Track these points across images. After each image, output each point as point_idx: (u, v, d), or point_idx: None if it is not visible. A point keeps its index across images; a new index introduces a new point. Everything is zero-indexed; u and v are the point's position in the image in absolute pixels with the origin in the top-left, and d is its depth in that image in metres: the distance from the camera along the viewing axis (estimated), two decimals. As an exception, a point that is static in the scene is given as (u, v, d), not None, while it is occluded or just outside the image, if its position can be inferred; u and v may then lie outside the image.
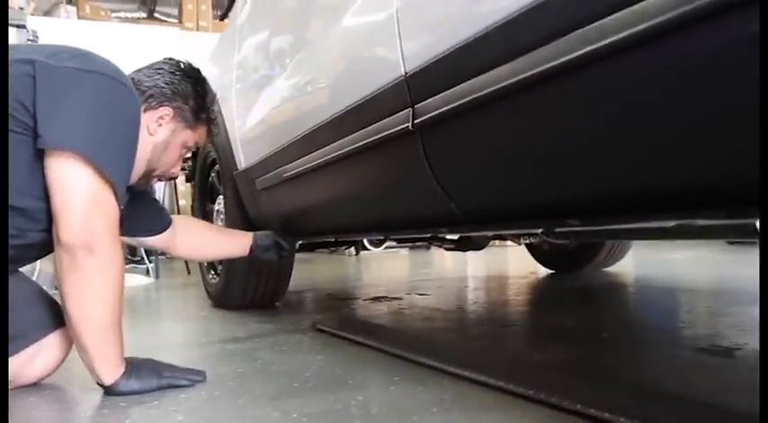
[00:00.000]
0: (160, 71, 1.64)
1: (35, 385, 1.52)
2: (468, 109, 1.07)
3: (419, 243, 6.52)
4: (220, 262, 2.79)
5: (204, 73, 1.74)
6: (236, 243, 2.22)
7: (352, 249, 6.21)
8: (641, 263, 4.13)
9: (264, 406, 1.26)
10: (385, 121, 1.32)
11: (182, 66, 1.69)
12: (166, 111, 1.61)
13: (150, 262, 5.25)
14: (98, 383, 1.40)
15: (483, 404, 1.19)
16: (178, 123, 1.64)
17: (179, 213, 5.44)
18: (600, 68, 0.83)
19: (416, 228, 1.51)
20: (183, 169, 6.09)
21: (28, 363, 1.48)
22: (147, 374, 1.42)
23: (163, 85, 1.61)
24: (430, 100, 1.17)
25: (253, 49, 2.40)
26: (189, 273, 5.22)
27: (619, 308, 2.51)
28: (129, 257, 6.21)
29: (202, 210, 3.13)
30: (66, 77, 1.36)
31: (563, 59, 0.86)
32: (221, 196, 2.83)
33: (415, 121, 1.21)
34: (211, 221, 2.98)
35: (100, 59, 1.45)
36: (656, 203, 0.91)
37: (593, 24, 0.80)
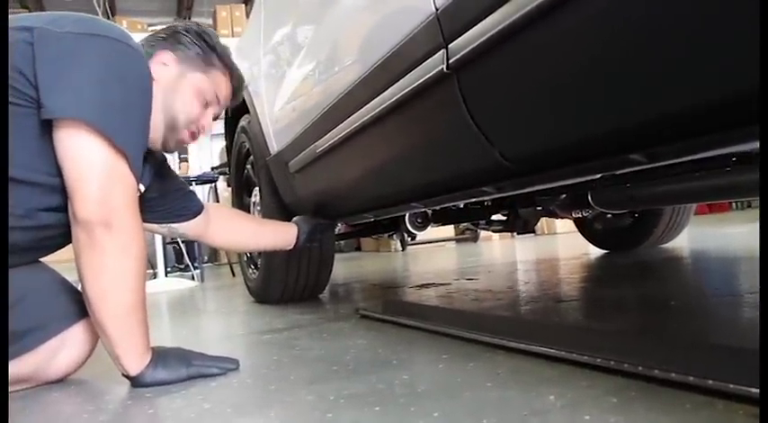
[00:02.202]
0: (159, 31, 1.57)
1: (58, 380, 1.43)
2: (507, 36, 0.94)
3: (466, 233, 6.39)
4: (260, 256, 2.69)
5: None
6: (280, 233, 2.11)
7: (398, 244, 6.10)
8: (699, 238, 3.89)
9: (299, 390, 1.14)
10: (417, 69, 1.19)
11: (182, 25, 1.60)
12: (165, 54, 1.51)
13: (195, 268, 5.25)
14: (124, 375, 1.30)
15: (543, 377, 1.05)
16: (182, 65, 1.52)
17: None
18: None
19: (460, 188, 1.36)
20: (223, 173, 6.10)
21: (51, 357, 1.39)
22: (175, 363, 1.32)
23: (160, 37, 1.55)
24: (465, 35, 1.03)
25: (277, 32, 2.30)
26: (234, 275, 5.20)
27: (684, 278, 2.32)
28: (176, 265, 6.25)
29: (239, 203, 3.06)
30: (69, 43, 1.25)
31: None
32: (257, 188, 2.74)
33: (450, 62, 1.08)
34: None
35: (104, 23, 1.35)
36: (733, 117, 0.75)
37: None
